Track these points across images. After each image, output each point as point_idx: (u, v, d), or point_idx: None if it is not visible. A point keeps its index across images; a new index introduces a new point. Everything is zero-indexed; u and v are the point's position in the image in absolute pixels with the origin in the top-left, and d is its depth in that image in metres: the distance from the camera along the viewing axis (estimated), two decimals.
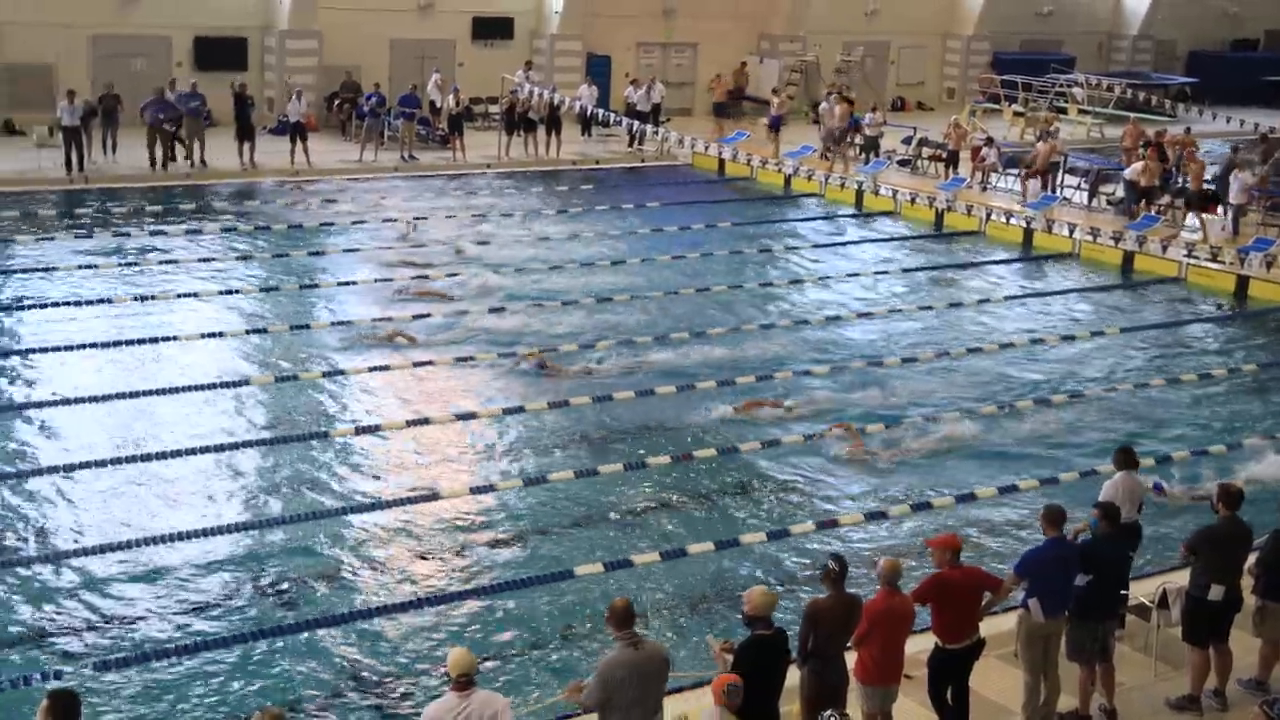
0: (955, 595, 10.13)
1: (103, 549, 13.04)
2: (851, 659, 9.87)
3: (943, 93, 48.48)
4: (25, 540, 13.33)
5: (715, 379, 18.76)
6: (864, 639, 9.77)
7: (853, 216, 31.15)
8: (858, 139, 35.82)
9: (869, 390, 18.67)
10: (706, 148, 34.56)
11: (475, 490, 14.84)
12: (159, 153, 30.54)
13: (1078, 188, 31.75)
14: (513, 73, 36.05)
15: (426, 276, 23.53)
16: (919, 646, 10.44)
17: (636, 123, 35.32)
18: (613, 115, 35.63)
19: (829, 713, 8.60)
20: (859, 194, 31.81)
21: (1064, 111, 42.53)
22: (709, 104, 40.45)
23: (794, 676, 9.65)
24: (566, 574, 12.99)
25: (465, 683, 8.30)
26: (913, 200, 30.66)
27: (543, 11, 40.56)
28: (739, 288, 24.06)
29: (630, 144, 36.92)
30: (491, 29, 40.10)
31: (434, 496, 14.64)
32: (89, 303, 20.93)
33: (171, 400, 17.03)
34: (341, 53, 37.13)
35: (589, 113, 35.98)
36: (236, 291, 22.12)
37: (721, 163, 34.95)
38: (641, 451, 16.19)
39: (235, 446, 15.71)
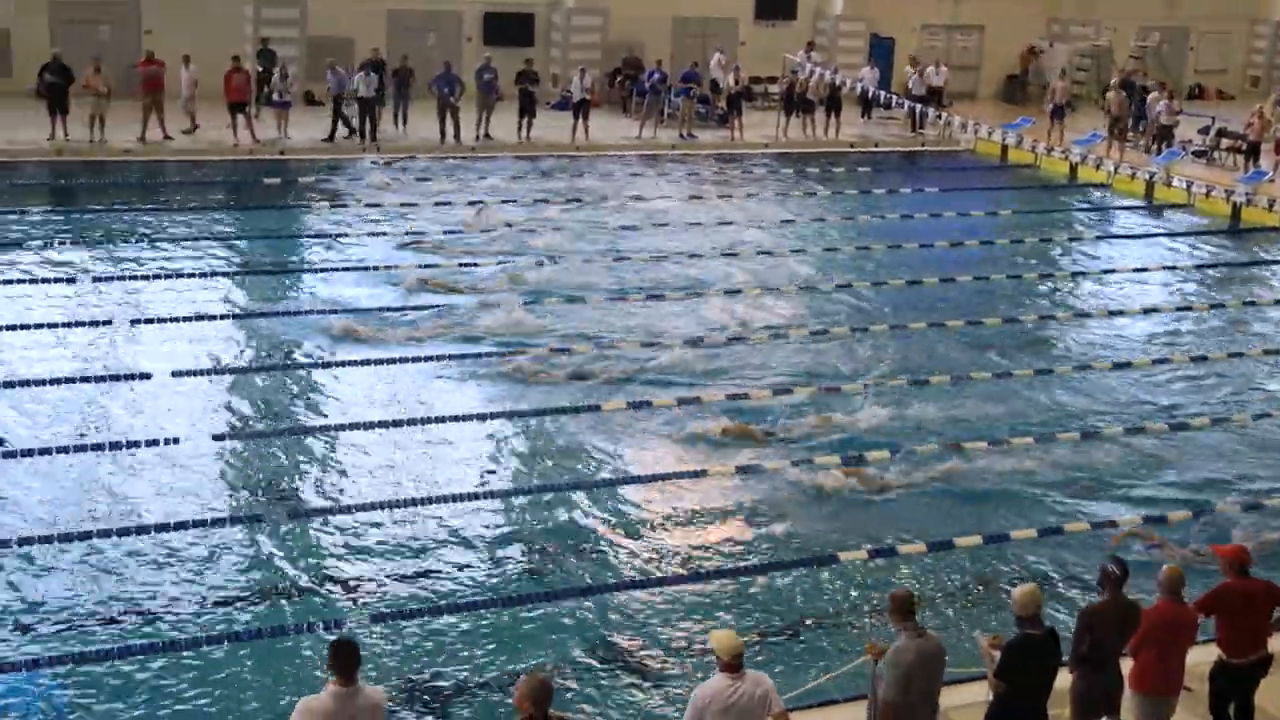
0: (1241, 607, 9.59)
1: (377, 505, 13.51)
2: (1127, 666, 9.46)
3: (1246, 81, 46.04)
4: (309, 492, 13.89)
5: (992, 371, 18.31)
6: (1141, 646, 9.35)
7: (1142, 208, 29.90)
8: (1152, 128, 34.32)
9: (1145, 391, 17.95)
10: (990, 133, 33.65)
11: (741, 470, 14.79)
12: (449, 125, 31.42)
13: None
14: (794, 53, 35.83)
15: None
16: (1200, 658, 9.92)
17: (918, 106, 34.69)
18: (894, 98, 35.04)
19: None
20: (1149, 185, 30.47)
21: None
22: (997, 87, 39.36)
23: (1064, 679, 9.30)
24: (830, 558, 12.85)
25: (735, 664, 8.29)
26: (1208, 193, 29.20)
27: None
28: (1017, 278, 23.39)
29: (911, 128, 36.26)
30: (775, 8, 39.93)
31: (701, 474, 14.65)
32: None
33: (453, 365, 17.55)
34: (625, 29, 37.61)
35: (870, 95, 35.47)
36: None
37: (1004, 149, 33.99)
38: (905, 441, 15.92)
39: (507, 415, 16.06)
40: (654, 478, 14.48)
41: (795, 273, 22.93)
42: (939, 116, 34.30)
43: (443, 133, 31.46)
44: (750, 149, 33.66)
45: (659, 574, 12.56)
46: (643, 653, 11.31)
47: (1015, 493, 14.65)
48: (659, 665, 11.14)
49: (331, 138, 30.84)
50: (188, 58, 29.67)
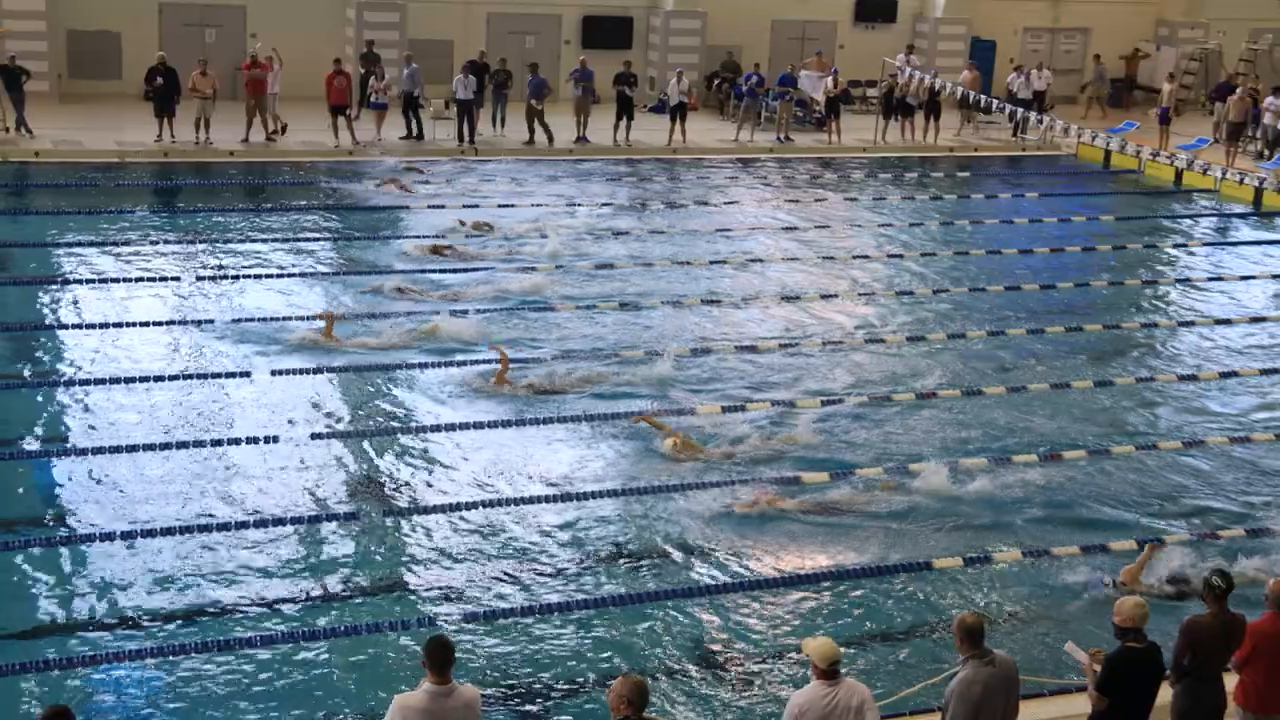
0: None
1: (473, 505, 13.59)
2: (1232, 682, 9.25)
3: None
4: (406, 491, 14.01)
5: (1091, 379, 18.06)
6: (1246, 662, 9.14)
7: (1250, 215, 29.28)
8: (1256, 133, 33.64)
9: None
10: (1093, 138, 33.15)
11: (835, 475, 14.68)
12: (536, 128, 31.50)
13: None
14: (893, 56, 35.56)
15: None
16: None
17: (1019, 110, 34.28)
18: (995, 102, 34.66)
19: None
20: (1258, 192, 29.82)
21: None
22: (1100, 91, 38.79)
23: (1166, 694, 9.12)
24: (924, 565, 12.72)
25: (832, 672, 8.23)
26: None
27: None
28: (1119, 284, 23.03)
29: (1012, 132, 35.82)
30: (874, 11, 39.67)
31: (795, 481, 14.57)
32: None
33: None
34: (724, 32, 37.58)
35: (970, 99, 35.11)
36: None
37: (1107, 154, 33.44)
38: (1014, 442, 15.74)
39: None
40: (745, 481, 14.39)
41: (890, 278, 22.77)
42: (1040, 121, 33.85)
43: (531, 136, 31.58)
44: (848, 153, 33.44)
45: (755, 577, 12.49)
46: (736, 657, 11.26)
47: (1115, 503, 14.42)
48: (753, 669, 11.08)
49: (410, 135, 31.17)
50: (271, 58, 30.11)
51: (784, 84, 34.24)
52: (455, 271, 21.55)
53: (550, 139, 31.49)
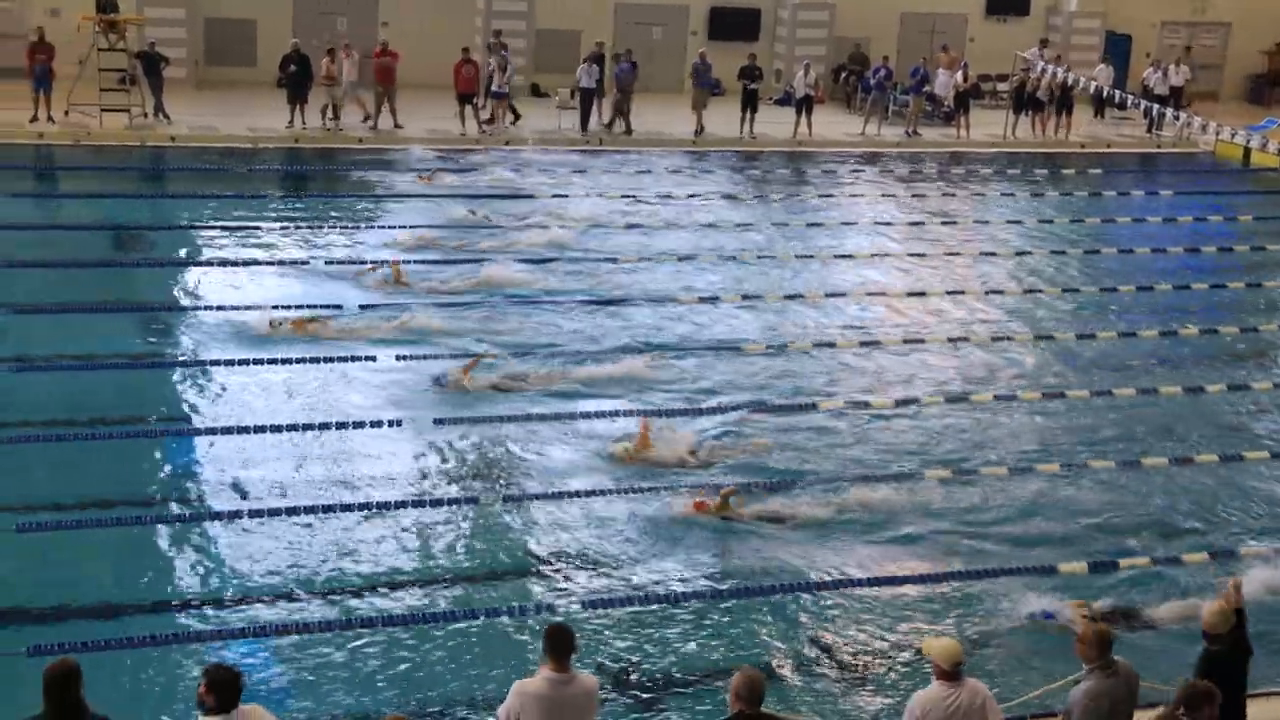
0: None
1: (594, 493, 13.59)
2: None
3: None
4: (527, 477, 14.05)
5: (1226, 382, 17.58)
6: None
7: None
8: None
9: None
10: (1233, 135, 32.26)
11: (961, 473, 14.45)
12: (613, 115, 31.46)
13: None
14: (1025, 50, 34.93)
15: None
16: None
17: (1155, 106, 33.47)
18: (1129, 97, 33.88)
19: None
20: None
21: None
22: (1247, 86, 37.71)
23: None
24: (1049, 569, 12.47)
25: (954, 673, 8.08)
26: None
27: None
28: (1257, 286, 22.39)
29: (1147, 129, 35.00)
30: (1007, 4, 38.98)
31: (914, 476, 14.37)
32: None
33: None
34: (852, 25, 37.22)
35: (1104, 94, 34.36)
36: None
37: (1247, 152, 32.49)
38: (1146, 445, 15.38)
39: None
40: (866, 479, 14.23)
41: (1018, 276, 22.39)
42: (1177, 117, 33.01)
43: (610, 123, 31.58)
44: (977, 148, 32.92)
45: (876, 573, 12.33)
46: (856, 653, 11.13)
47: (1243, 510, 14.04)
48: (873, 667, 10.95)
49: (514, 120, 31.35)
50: (348, 46, 30.43)
51: (915, 77, 33.75)
52: (582, 261, 21.61)
53: (628, 128, 31.33)
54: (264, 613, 11.14)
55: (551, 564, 12.30)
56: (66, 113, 27.82)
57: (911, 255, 23.18)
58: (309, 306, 18.33)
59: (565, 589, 11.84)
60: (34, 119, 27.78)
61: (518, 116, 31.56)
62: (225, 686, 7.33)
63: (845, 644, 11.26)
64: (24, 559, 11.71)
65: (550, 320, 18.73)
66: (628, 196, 26.02)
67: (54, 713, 7.18)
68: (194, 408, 15.29)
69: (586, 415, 15.49)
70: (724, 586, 11.98)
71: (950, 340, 18.80)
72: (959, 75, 33.63)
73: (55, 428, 14.27)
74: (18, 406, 14.80)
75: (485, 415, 15.19)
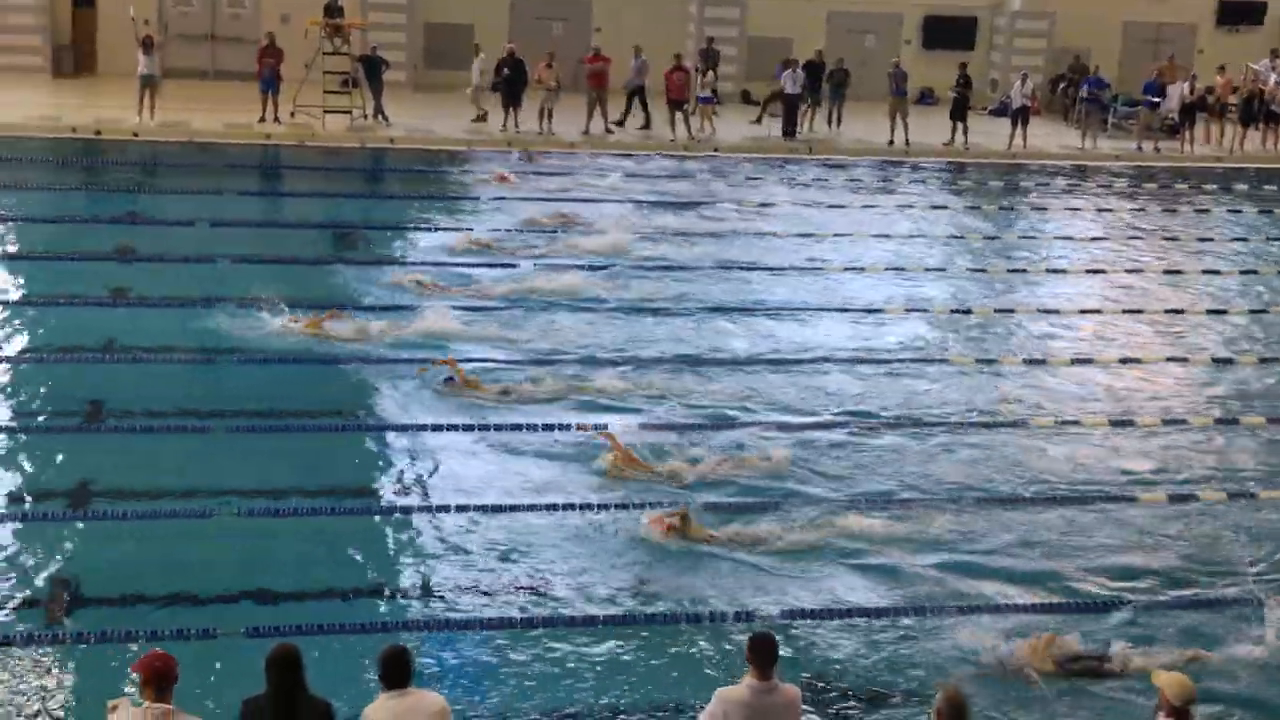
0: None
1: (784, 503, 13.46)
2: None
3: None
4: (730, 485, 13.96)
5: None
6: None
7: None
8: None
9: None
10: None
11: (1175, 499, 13.93)
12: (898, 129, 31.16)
13: None
14: (1256, 61, 33.59)
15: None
16: None
17: None
18: None
19: None
20: None
21: None
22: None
23: None
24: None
25: (1183, 712, 7.76)
26: None
27: None
28: None
29: None
30: (1240, 14, 37.55)
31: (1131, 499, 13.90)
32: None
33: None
34: (1072, 35, 36.35)
35: None
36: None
37: None
38: None
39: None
40: (1082, 498, 13.79)
41: (1243, 294, 21.52)
42: None
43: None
44: (1202, 163, 31.79)
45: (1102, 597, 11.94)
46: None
47: None
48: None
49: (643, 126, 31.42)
50: (477, 46, 30.88)
51: (1148, 93, 32.54)
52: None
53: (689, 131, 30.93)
54: (465, 606, 11.26)
55: (749, 569, 12.14)
56: (292, 114, 28.81)
57: (1129, 271, 22.46)
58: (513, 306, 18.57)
59: (762, 596, 11.70)
60: (261, 120, 28.85)
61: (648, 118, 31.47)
62: (395, 663, 7.71)
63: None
64: (246, 543, 12.07)
65: (773, 328, 18.65)
66: (835, 206, 25.84)
67: (275, 695, 7.41)
68: (402, 404, 15.47)
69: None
70: (929, 602, 11.70)
71: (1169, 360, 18.14)
72: (1185, 87, 32.49)
73: (274, 418, 14.63)
74: (240, 396, 15.23)
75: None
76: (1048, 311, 20.07)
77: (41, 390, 15.20)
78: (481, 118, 30.67)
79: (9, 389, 15.13)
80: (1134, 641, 10.89)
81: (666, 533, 12.27)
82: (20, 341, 16.60)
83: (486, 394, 15.45)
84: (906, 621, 11.25)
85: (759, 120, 32.14)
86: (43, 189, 24.02)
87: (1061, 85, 36.01)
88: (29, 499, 12.54)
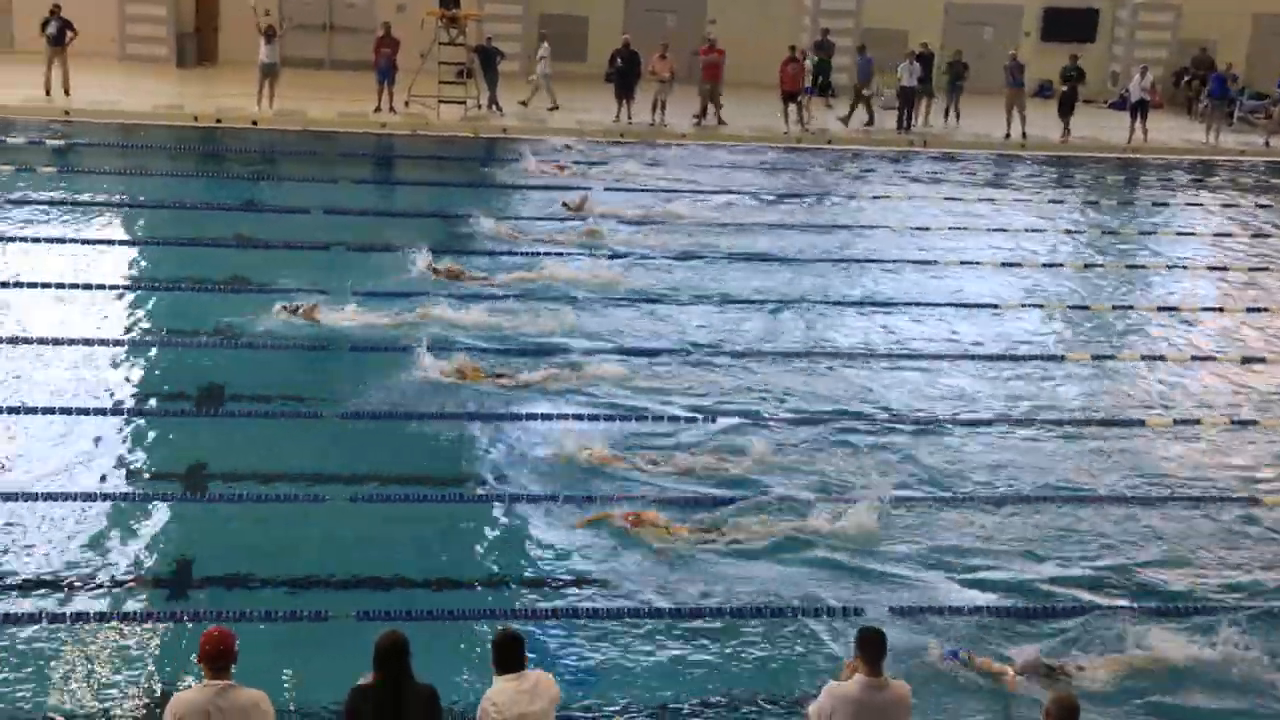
0: None
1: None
2: None
3: None
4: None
5: None
6: None
7: None
8: None
9: None
10: None
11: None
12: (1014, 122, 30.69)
13: None
14: None
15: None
16: None
17: None
18: None
19: None
20: None
21: None
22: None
23: None
24: None
25: None
26: None
27: None
28: None
29: None
30: None
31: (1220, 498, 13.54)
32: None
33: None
34: (1199, 27, 35.47)
35: None
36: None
37: None
38: None
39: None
40: (1200, 499, 13.46)
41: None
42: None
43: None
44: None
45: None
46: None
47: None
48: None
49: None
50: (545, 35, 30.84)
51: None
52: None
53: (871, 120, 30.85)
54: (577, 596, 11.27)
55: (858, 567, 12.01)
56: (407, 104, 29.06)
57: (1254, 270, 21.90)
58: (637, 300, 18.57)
59: (865, 594, 11.56)
60: (377, 109, 29.14)
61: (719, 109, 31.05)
62: (510, 646, 7.74)
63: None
64: (357, 529, 12.19)
65: (888, 323, 18.50)
66: (950, 199, 25.53)
67: (383, 682, 7.46)
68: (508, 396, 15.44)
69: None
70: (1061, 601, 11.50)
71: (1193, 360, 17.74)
72: None
73: (385, 406, 14.68)
74: (350, 386, 15.33)
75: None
76: (1167, 309, 19.65)
77: (159, 374, 15.50)
78: (523, 103, 30.93)
79: (130, 372, 15.46)
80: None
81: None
82: (142, 326, 16.95)
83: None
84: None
85: (846, 120, 31.60)
86: (166, 175, 24.51)
87: (1184, 79, 35.17)
88: (148, 480, 12.79)
